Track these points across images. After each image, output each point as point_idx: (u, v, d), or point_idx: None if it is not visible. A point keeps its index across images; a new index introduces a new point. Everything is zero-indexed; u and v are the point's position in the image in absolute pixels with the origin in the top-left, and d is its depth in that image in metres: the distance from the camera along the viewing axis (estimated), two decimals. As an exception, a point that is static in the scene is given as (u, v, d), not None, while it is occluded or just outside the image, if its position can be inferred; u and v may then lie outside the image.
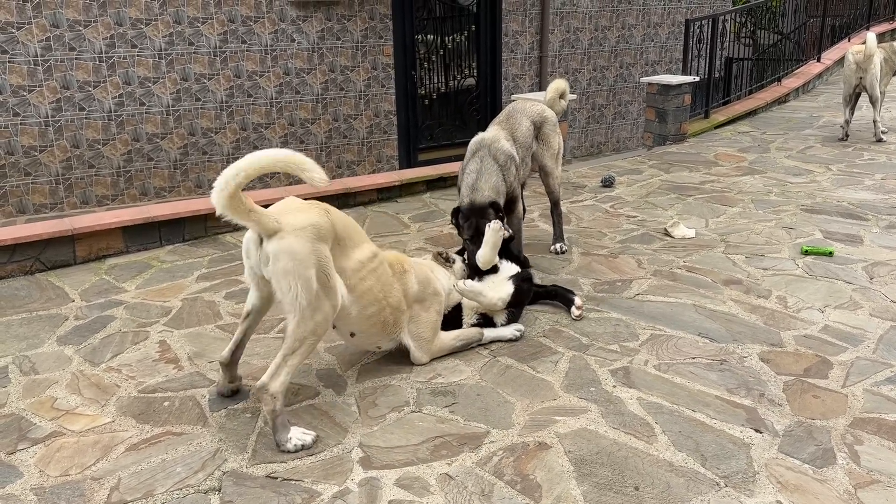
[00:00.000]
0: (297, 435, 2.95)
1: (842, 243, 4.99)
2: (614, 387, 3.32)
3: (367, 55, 9.50)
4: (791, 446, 2.86)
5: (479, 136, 4.40)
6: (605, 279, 4.53)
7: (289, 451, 2.91)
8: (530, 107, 4.79)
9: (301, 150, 9.80)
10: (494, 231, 3.76)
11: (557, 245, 5.01)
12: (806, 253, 4.82)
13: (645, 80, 8.46)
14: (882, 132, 7.97)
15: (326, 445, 2.96)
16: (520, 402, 3.22)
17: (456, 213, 4.24)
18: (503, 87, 10.71)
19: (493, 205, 4.10)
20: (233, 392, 3.35)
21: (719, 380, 3.35)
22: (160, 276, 4.84)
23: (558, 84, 5.13)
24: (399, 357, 3.66)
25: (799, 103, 10.58)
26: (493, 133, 4.43)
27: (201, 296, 4.48)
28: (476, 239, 3.97)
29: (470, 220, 4.09)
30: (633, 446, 2.89)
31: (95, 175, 7.96)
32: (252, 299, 3.26)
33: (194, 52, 8.22)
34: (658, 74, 11.76)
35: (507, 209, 4.33)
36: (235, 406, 3.26)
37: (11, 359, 3.74)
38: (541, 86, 11.04)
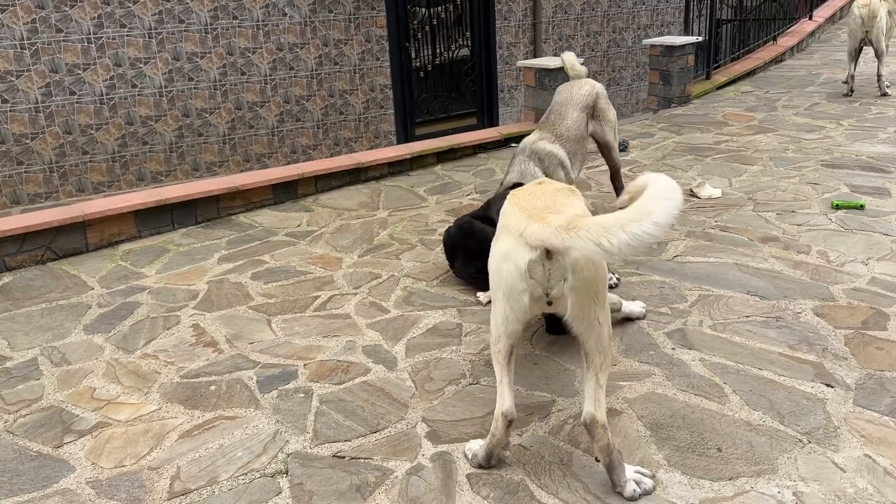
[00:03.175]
0: (634, 477, 2.40)
1: (870, 196, 4.94)
2: (673, 349, 3.25)
3: (360, 27, 9.28)
4: (866, 399, 2.81)
5: (522, 142, 4.22)
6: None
7: (627, 498, 2.37)
8: (576, 91, 4.41)
9: (298, 129, 9.53)
10: None
11: None
12: (837, 207, 4.76)
13: (647, 42, 8.34)
14: (886, 86, 7.93)
15: (389, 422, 2.86)
16: (580, 369, 3.13)
17: (488, 205, 3.99)
18: (497, 56, 10.54)
19: None
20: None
21: (779, 336, 3.29)
22: (179, 259, 4.68)
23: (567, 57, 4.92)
24: (444, 330, 3.56)
25: (795, 61, 10.52)
26: (533, 136, 4.21)
27: (227, 277, 4.33)
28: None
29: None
30: (705, 408, 2.81)
31: (90, 161, 7.73)
32: (516, 331, 2.44)
33: (185, 30, 7.97)
34: (650, 38, 11.64)
35: None
36: (286, 386, 3.14)
37: (39, 350, 3.58)
38: (535, 53, 10.89)
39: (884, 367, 3.00)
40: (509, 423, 2.47)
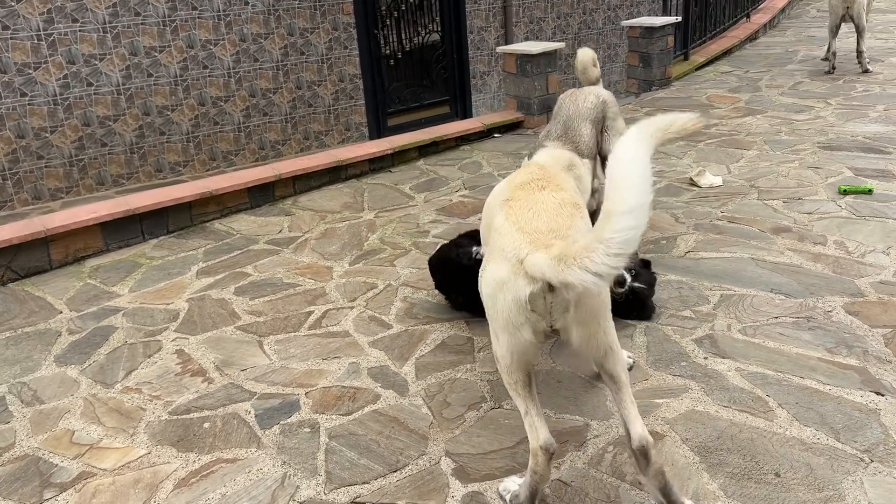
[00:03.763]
0: None
1: (875, 179, 4.79)
2: (706, 359, 3.02)
3: (326, 15, 8.88)
4: (922, 408, 2.62)
5: (533, 159, 3.68)
6: (647, 238, 4.21)
7: None
8: (582, 104, 3.85)
9: (265, 124, 9.14)
10: None
11: None
12: (844, 192, 4.59)
13: (626, 23, 8.12)
14: (867, 62, 7.84)
15: (409, 458, 2.58)
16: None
17: None
18: (468, 41, 10.23)
19: None
20: None
21: (814, 339, 3.09)
22: (153, 274, 4.32)
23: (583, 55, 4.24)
24: (455, 346, 3.29)
25: (769, 39, 10.41)
26: (554, 154, 3.49)
27: (208, 294, 4.00)
28: None
29: None
30: (753, 426, 2.60)
31: (46, 167, 7.25)
32: (527, 362, 2.19)
33: (142, 24, 7.50)
34: (621, 19, 11.44)
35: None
36: (289, 420, 2.85)
37: (7, 388, 3.22)
38: (506, 37, 10.60)
39: (932, 371, 2.82)
40: (550, 456, 2.17)
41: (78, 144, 7.41)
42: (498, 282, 2.09)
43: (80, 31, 7.17)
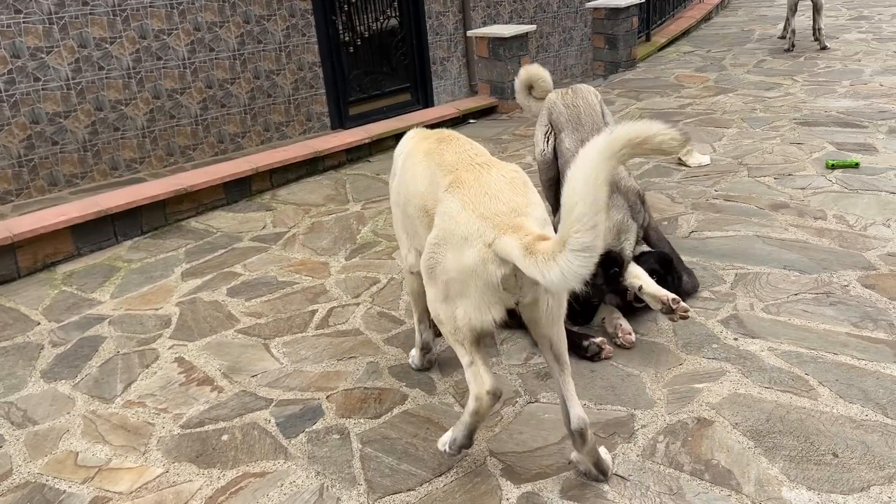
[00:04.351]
0: (605, 455, 2.34)
1: (858, 153, 4.84)
2: (735, 339, 2.98)
3: (282, 2, 8.57)
4: (961, 379, 2.62)
5: None
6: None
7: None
8: (590, 100, 3.72)
9: (224, 116, 8.80)
10: None
11: None
12: (832, 167, 4.63)
13: (590, 4, 8.08)
14: (825, 39, 7.98)
15: (452, 460, 2.45)
16: (645, 373, 2.82)
17: None
18: (427, 26, 10.04)
19: (608, 259, 3.01)
20: None
21: (838, 315, 3.07)
22: (135, 278, 4.06)
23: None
24: (476, 338, 3.16)
25: (723, 19, 10.54)
26: None
27: (199, 296, 3.77)
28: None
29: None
30: (799, 406, 2.55)
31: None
32: (483, 329, 2.19)
33: (90, 13, 7.08)
34: (577, 2, 11.42)
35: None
36: (314, 427, 2.68)
37: (-7, 409, 2.96)
38: (465, 21, 10.45)
39: (961, 341, 2.83)
40: (496, 400, 2.24)
41: (27, 144, 6.98)
42: (466, 270, 2.09)
43: (23, 22, 6.73)
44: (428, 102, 9.87)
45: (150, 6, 7.56)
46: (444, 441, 2.39)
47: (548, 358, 2.28)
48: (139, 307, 3.72)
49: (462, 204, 2.15)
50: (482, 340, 2.22)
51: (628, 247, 3.13)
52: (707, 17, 10.25)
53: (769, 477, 2.25)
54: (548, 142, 3.75)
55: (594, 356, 2.86)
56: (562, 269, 1.79)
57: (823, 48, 7.93)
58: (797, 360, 2.79)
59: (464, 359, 2.23)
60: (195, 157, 8.29)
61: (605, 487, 2.27)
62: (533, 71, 4.01)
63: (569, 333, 2.93)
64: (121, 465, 2.58)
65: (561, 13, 11.97)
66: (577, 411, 2.22)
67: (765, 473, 2.27)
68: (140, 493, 2.43)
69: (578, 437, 2.23)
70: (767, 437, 2.41)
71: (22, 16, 6.77)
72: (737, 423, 2.49)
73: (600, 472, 2.29)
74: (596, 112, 3.69)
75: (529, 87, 4.04)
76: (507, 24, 11.07)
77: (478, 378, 2.21)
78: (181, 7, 7.74)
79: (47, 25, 6.93)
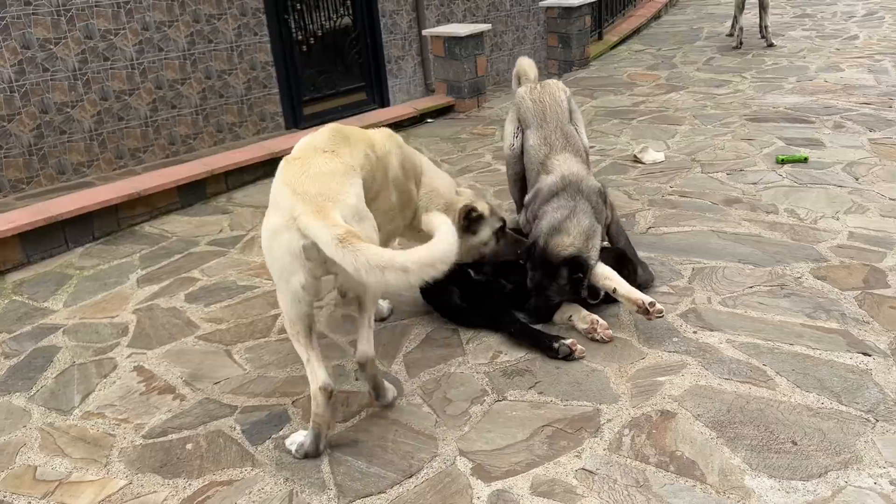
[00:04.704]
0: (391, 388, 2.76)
1: (807, 148, 4.99)
2: (695, 332, 3.04)
3: (233, 1, 8.44)
4: (909, 365, 2.72)
5: (560, 172, 3.40)
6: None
7: (387, 405, 2.73)
8: (561, 104, 3.75)
9: (175, 117, 8.65)
10: None
11: None
12: (782, 162, 4.76)
13: (543, 3, 8.15)
14: (772, 37, 8.20)
15: (422, 461, 2.46)
16: (609, 368, 2.86)
17: (529, 250, 3.22)
18: (381, 25, 10.00)
19: (574, 263, 3.05)
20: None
21: (792, 306, 3.16)
22: (88, 286, 3.96)
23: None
24: (441, 339, 3.18)
25: (672, 17, 10.74)
26: (571, 164, 3.44)
27: (156, 303, 3.70)
28: (537, 295, 3.15)
29: (535, 273, 3.13)
30: (758, 396, 2.62)
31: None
32: (307, 313, 2.43)
33: (33, 13, 6.87)
34: (529, 1, 11.51)
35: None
36: (281, 433, 2.65)
37: (-57, 425, 2.86)
38: (419, 20, 10.44)
39: (908, 328, 2.94)
40: (329, 396, 2.44)
41: (-31, 148, 6.74)
42: (272, 231, 2.35)
43: (-37, 22, 6.50)
44: (384, 101, 9.83)
45: (96, 6, 7.37)
46: (293, 441, 2.53)
47: (355, 304, 2.60)
48: (94, 315, 3.63)
49: (283, 180, 2.41)
50: (313, 334, 2.46)
51: (594, 252, 3.16)
52: (657, 16, 10.44)
53: (732, 466, 2.31)
54: (517, 137, 3.78)
55: (566, 357, 2.88)
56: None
57: (770, 45, 8.14)
58: (755, 352, 2.87)
59: (302, 356, 2.47)
60: (146, 159, 8.12)
61: (574, 482, 2.30)
62: (521, 64, 4.15)
63: (538, 335, 2.97)
64: (82, 478, 2.52)
65: (514, 12, 12.04)
66: (362, 347, 2.55)
67: (727, 463, 2.32)
68: (103, 507, 2.38)
69: (360, 367, 2.61)
70: (729, 428, 2.47)
71: (-39, 16, 6.54)
72: (699, 415, 2.55)
73: (376, 397, 2.69)
74: (562, 108, 3.73)
75: (519, 79, 4.10)
76: (460, 22, 11.09)
77: (312, 375, 2.43)
78: (128, 7, 7.56)
79: (-13, 25, 6.71)
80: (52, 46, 7.11)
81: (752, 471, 2.28)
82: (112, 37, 7.50)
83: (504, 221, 3.26)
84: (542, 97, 3.76)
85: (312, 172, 2.41)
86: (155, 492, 2.43)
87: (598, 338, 3.02)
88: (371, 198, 2.73)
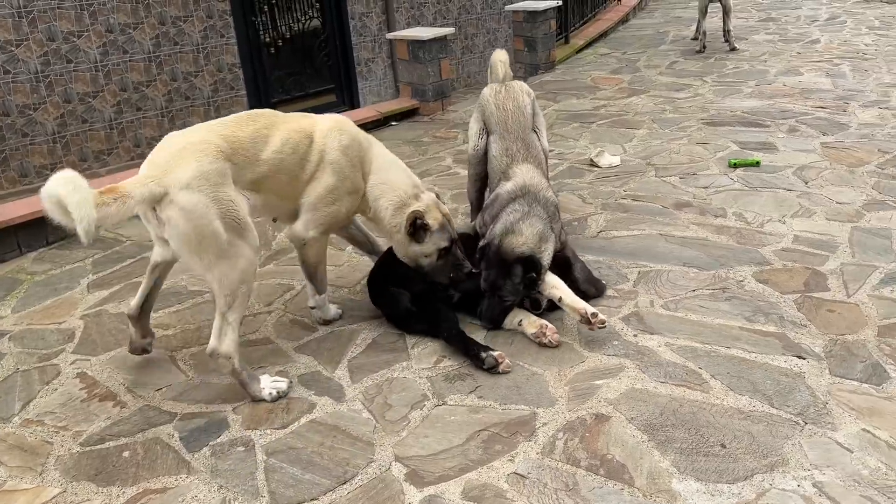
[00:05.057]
0: (269, 384, 2.87)
1: (760, 152, 5.07)
2: (636, 336, 3.08)
3: (199, 3, 8.39)
4: (840, 368, 2.77)
5: (520, 181, 3.41)
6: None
7: (266, 401, 2.84)
8: (524, 109, 3.75)
9: (140, 119, 8.55)
10: None
11: None
12: (735, 166, 4.83)
13: (509, 7, 8.19)
14: (734, 40, 8.29)
15: (357, 467, 2.47)
16: (548, 372, 2.89)
17: (483, 251, 3.24)
18: (351, 27, 9.98)
19: (528, 262, 3.08)
20: (144, 350, 3.17)
21: (732, 309, 3.21)
22: (37, 291, 3.93)
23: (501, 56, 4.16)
24: (387, 344, 3.19)
25: (640, 21, 10.83)
26: (530, 174, 3.45)
27: (105, 308, 3.68)
28: (490, 294, 3.16)
29: (489, 272, 3.15)
30: (692, 399, 2.66)
31: None
32: (158, 255, 3.05)
33: (-8, 15, 6.78)
34: (500, 3, 11.55)
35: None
36: (219, 440, 2.65)
37: None
38: (388, 23, 10.44)
39: (843, 331, 3.00)
40: (131, 320, 3.08)
41: (-75, 151, 6.65)
42: None
43: (-82, 23, 6.41)
44: (354, 103, 9.82)
45: (58, 7, 7.30)
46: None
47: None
48: (41, 321, 3.60)
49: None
50: (158, 270, 3.11)
51: (547, 256, 3.18)
52: (624, 19, 10.52)
53: (660, 469, 2.34)
54: (481, 138, 3.78)
55: (491, 369, 2.89)
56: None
57: (733, 49, 8.24)
58: (692, 355, 2.91)
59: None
60: (110, 161, 8.05)
61: (505, 486, 2.33)
62: (495, 57, 4.14)
63: (469, 344, 2.98)
64: (16, 486, 2.50)
65: (485, 15, 12.07)
66: (212, 342, 2.75)
67: (656, 466, 2.36)
68: (34, 516, 2.36)
69: (210, 359, 2.79)
70: (660, 431, 2.51)
71: (-84, 17, 6.45)
72: (632, 418, 2.58)
73: (250, 393, 2.85)
74: (525, 115, 3.73)
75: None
76: (431, 25, 11.11)
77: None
78: (92, 8, 7.49)
79: (-56, 27, 6.62)
80: (13, 48, 7.04)
81: (679, 474, 2.32)
82: (75, 39, 7.43)
83: (453, 243, 3.19)
84: (505, 103, 3.76)
85: (169, 143, 2.78)
86: (88, 500, 2.42)
87: (546, 342, 3.05)
88: (305, 178, 3.02)
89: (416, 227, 3.13)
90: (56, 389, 3.04)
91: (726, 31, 8.24)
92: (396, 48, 6.95)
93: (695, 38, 8.71)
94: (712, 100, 6.47)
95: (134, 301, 3.07)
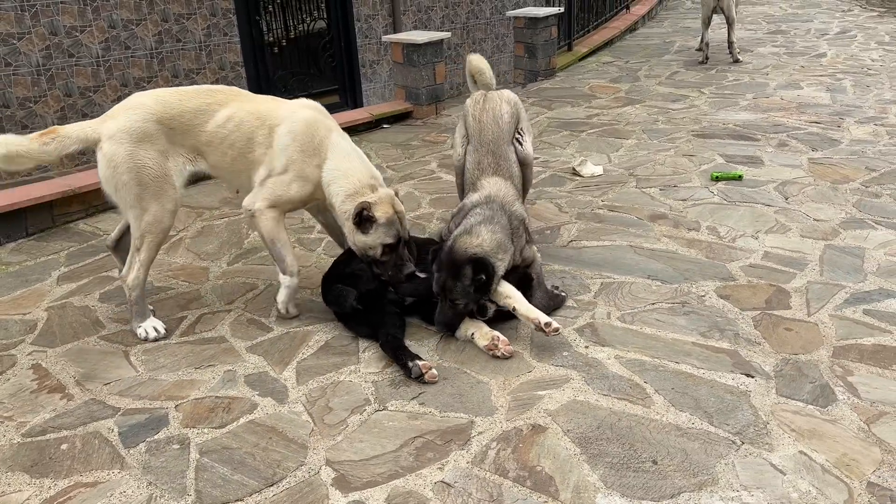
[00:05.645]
0: (149, 325, 3.28)
1: (745, 166, 5.01)
2: (587, 347, 3.05)
3: (203, 1, 8.46)
4: (788, 388, 2.73)
5: (486, 192, 3.41)
6: (532, 228, 4.22)
7: (140, 338, 3.27)
8: (502, 121, 3.67)
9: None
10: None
11: None
12: (717, 179, 4.78)
13: (511, 13, 8.17)
14: (738, 52, 8.22)
15: (286, 470, 2.46)
16: (494, 381, 2.87)
17: (436, 252, 3.21)
18: (356, 29, 10.02)
19: (479, 263, 3.03)
20: None
21: (689, 324, 3.17)
22: (8, 282, 3.97)
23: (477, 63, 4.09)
24: (339, 346, 3.19)
25: (648, 30, 10.76)
26: (499, 185, 3.45)
27: (70, 301, 3.70)
28: (442, 298, 3.10)
29: (440, 273, 3.08)
30: (632, 413, 2.63)
31: None
32: None
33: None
34: (507, 9, 11.54)
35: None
36: (156, 437, 2.66)
37: None
38: (394, 26, 10.46)
39: (797, 350, 2.95)
40: None
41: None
42: None
43: (-79, 14, 6.51)
44: (357, 105, 9.85)
45: (61, 3, 7.39)
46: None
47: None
48: (7, 312, 3.63)
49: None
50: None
51: (501, 265, 3.14)
52: (632, 28, 10.46)
53: (587, 483, 2.31)
54: (464, 146, 3.75)
55: (417, 378, 2.87)
56: None
57: (736, 61, 8.16)
58: (639, 369, 2.88)
59: None
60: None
61: (430, 495, 2.31)
62: (473, 63, 4.11)
63: (400, 351, 2.97)
64: (-49, 475, 2.52)
65: (494, 20, 12.08)
66: (124, 271, 3.27)
67: (584, 480, 2.33)
68: (-36, 505, 2.38)
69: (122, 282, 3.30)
70: (594, 444, 2.48)
71: (-81, 8, 6.55)
72: (569, 430, 2.55)
73: (132, 324, 3.32)
74: (500, 127, 3.64)
75: (474, 78, 4.07)
76: (438, 29, 11.12)
77: None
78: (95, 4, 7.58)
79: (-53, 19, 6.71)
80: (14, 41, 7.13)
81: (605, 489, 2.29)
82: (78, 34, 7.51)
83: (399, 241, 3.19)
84: (481, 115, 3.72)
85: (124, 101, 3.24)
86: (20, 491, 2.43)
87: (499, 354, 3.02)
88: (256, 157, 3.27)
89: (362, 218, 3.14)
90: (9, 380, 3.06)
91: (730, 43, 8.16)
92: (392, 51, 6.96)
93: (699, 49, 8.64)
94: (706, 112, 6.41)
95: (113, 233, 3.52)
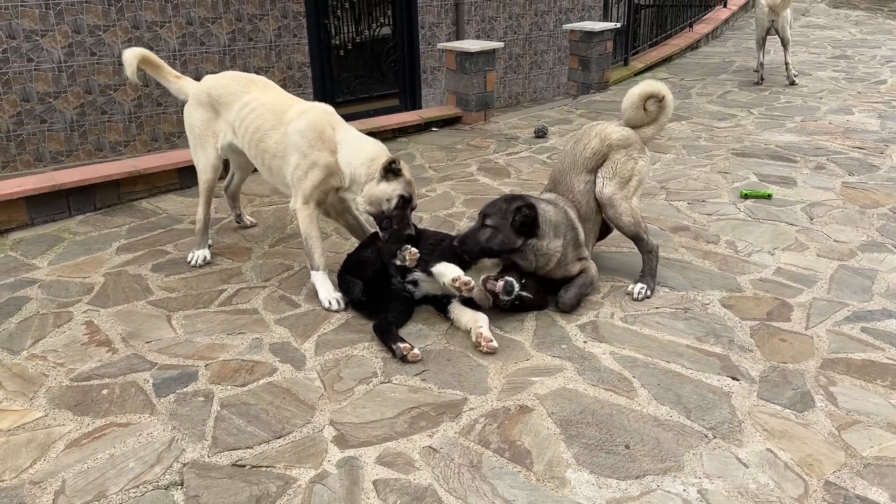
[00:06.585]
0: (199, 253, 4.16)
1: (777, 185, 5.08)
2: (585, 342, 3.24)
3: (276, 3, 8.93)
4: (769, 392, 2.86)
5: (549, 196, 3.76)
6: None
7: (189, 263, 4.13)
8: (572, 153, 3.87)
9: (158, 114, 8.99)
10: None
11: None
12: (745, 196, 4.87)
13: (567, 27, 8.35)
14: (794, 74, 8.19)
15: (294, 426, 2.74)
16: (493, 365, 3.09)
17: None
18: (420, 37, 10.36)
19: (531, 208, 3.37)
20: (238, 220, 4.73)
21: (687, 328, 3.32)
22: (74, 249, 4.39)
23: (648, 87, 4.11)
24: (357, 325, 3.46)
25: (710, 48, 10.76)
26: (559, 202, 3.71)
27: (125, 269, 4.09)
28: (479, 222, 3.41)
29: (486, 213, 3.40)
30: (615, 403, 2.81)
31: (-19, 140, 7.17)
32: None
33: (21, 5, 7.34)
34: (571, 22, 11.69)
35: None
36: (185, 389, 2.98)
37: (-88, 352, 3.29)
38: (458, 34, 10.75)
39: (787, 360, 3.07)
40: None
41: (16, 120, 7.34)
42: None
43: None
44: (416, 108, 10.17)
45: (86, 2, 7.74)
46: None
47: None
48: (70, 275, 4.04)
49: None
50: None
51: (545, 238, 3.42)
52: (694, 46, 10.48)
53: (561, 459, 2.51)
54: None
55: (402, 358, 3.11)
56: None
57: (791, 83, 8.14)
58: (630, 364, 3.05)
59: None
60: (126, 153, 8.44)
61: (416, 457, 2.55)
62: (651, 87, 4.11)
63: (388, 335, 3.24)
64: (9, 407, 2.89)
65: (557, 32, 12.24)
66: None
67: (558, 456, 2.53)
68: (16, 433, 2.74)
69: None
70: (574, 426, 2.67)
71: None
72: (553, 413, 2.75)
73: None
74: (574, 160, 3.86)
75: (644, 103, 4.08)
76: (500, 39, 11.37)
77: None
78: (175, 2, 8.09)
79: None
80: (38, 38, 7.57)
81: (576, 465, 2.49)
82: (158, 28, 8.05)
83: (411, 198, 3.54)
84: (570, 142, 3.98)
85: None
86: (63, 425, 2.78)
87: (484, 350, 3.20)
88: (271, 148, 3.77)
89: (390, 170, 3.49)
90: (64, 332, 3.44)
91: (786, 64, 8.14)
92: (446, 58, 7.24)
93: (757, 70, 8.64)
94: (751, 131, 6.46)
95: (226, 181, 4.59)
